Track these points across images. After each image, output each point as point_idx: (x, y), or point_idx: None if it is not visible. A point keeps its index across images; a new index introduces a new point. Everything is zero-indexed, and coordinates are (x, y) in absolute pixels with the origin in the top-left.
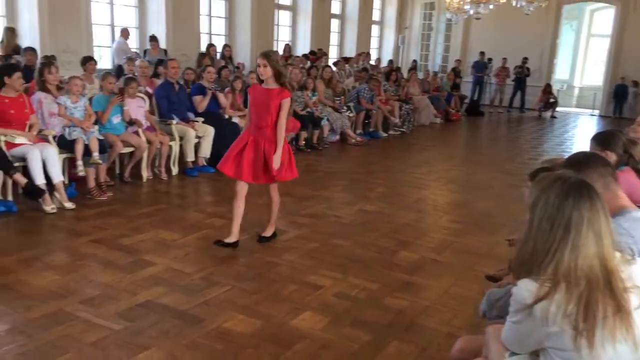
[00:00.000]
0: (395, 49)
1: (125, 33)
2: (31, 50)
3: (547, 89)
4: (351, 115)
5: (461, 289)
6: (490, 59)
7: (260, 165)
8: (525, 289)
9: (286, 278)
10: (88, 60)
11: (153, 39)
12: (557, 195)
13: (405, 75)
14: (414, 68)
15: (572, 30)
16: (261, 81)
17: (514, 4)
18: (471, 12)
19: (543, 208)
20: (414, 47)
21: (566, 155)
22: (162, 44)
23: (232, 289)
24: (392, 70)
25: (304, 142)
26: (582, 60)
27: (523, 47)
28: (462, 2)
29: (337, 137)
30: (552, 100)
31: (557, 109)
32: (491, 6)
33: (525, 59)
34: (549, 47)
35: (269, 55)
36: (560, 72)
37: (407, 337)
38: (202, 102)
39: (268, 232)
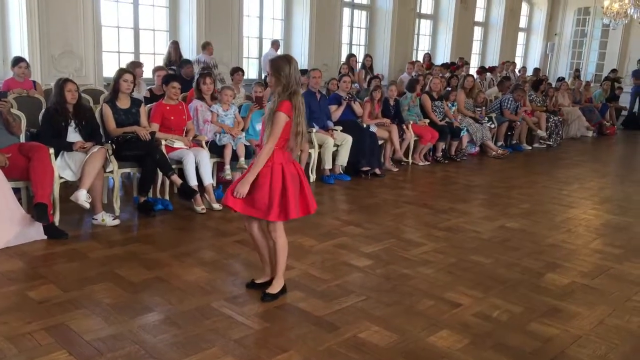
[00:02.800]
0: (543, 57)
1: (275, 45)
2: (188, 63)
3: None
4: (492, 126)
5: (619, 321)
6: None
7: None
8: None
9: (422, 292)
10: (236, 71)
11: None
12: None
13: (553, 84)
14: (576, 77)
15: None
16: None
17: None
18: (635, 16)
19: None
20: (564, 55)
21: None
22: (305, 55)
23: (367, 299)
24: (541, 79)
25: (441, 153)
26: None
27: None
28: (624, 6)
29: (477, 148)
30: None
31: None
32: None
33: None
34: None
35: (274, 62)
36: None
37: None
38: (336, 111)
39: (275, 288)
